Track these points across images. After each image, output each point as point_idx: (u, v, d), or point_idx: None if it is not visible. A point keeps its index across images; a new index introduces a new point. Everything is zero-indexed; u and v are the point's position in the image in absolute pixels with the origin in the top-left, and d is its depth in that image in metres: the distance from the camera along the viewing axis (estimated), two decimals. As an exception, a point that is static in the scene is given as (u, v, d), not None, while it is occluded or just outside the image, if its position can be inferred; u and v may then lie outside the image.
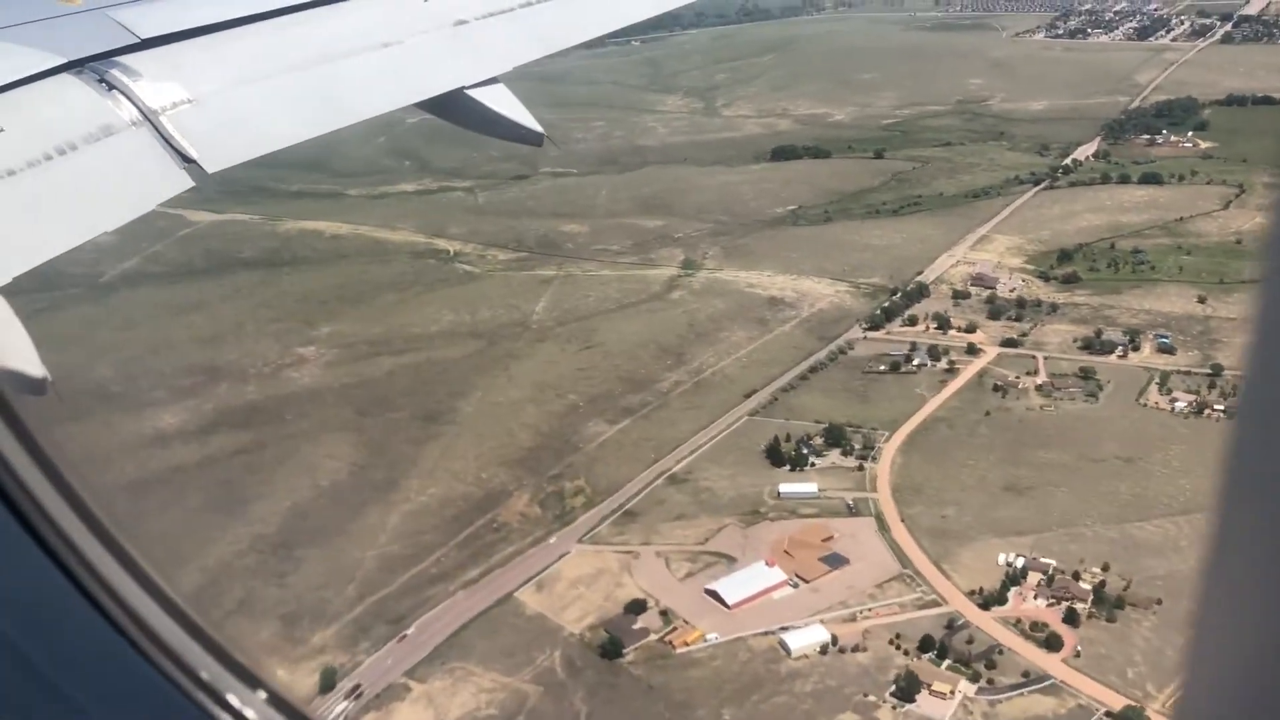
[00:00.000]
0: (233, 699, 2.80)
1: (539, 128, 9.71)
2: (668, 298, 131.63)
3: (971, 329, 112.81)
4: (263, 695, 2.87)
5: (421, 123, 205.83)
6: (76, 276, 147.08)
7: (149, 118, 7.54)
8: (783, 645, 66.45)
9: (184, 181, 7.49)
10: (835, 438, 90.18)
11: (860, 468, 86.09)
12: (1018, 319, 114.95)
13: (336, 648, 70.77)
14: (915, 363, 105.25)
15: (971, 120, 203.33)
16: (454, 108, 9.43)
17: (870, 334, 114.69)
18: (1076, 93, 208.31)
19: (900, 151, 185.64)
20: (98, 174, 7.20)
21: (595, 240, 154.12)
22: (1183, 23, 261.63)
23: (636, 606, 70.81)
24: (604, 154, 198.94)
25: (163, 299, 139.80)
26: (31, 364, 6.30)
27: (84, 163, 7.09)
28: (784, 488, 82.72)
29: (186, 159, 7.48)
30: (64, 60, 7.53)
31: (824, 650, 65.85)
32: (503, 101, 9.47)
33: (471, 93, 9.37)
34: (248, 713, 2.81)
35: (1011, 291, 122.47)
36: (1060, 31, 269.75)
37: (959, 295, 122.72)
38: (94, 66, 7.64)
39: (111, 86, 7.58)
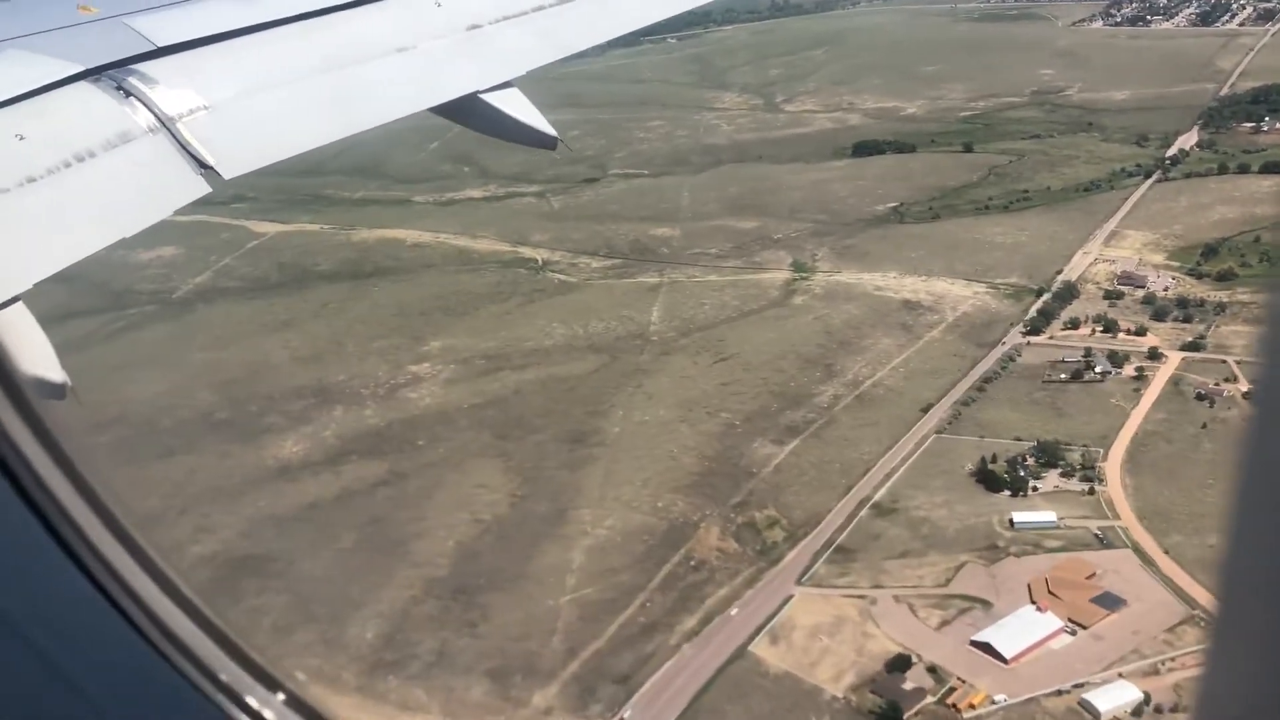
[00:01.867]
0: (251, 700, 2.80)
1: (553, 131, 9.62)
2: (790, 303, 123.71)
3: (1142, 332, 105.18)
4: (281, 697, 2.86)
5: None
6: (148, 293, 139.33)
7: (166, 124, 7.49)
8: (1087, 707, 58.41)
9: (201, 188, 7.43)
10: (1049, 457, 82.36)
11: (1090, 491, 78.29)
12: (1186, 320, 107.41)
13: (565, 709, 62.76)
14: (1098, 370, 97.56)
15: (1053, 112, 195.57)
16: (468, 112, 9.34)
17: (1032, 339, 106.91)
18: (1158, 81, 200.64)
19: (989, 145, 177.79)
20: (116, 180, 7.18)
21: (690, 244, 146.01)
22: (1244, 7, 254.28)
23: (900, 663, 62.75)
24: (672, 154, 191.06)
25: (247, 315, 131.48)
26: (52, 369, 6.28)
27: (102, 169, 7.06)
28: (1018, 517, 74.88)
29: (203, 165, 7.43)
30: (82, 68, 7.50)
31: (1138, 712, 57.93)
32: (516, 105, 9.43)
33: (485, 97, 9.32)
34: (266, 714, 2.81)
35: (1165, 290, 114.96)
36: (1118, 19, 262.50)
37: (1111, 295, 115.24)
38: (111, 74, 7.62)
39: (129, 94, 7.54)
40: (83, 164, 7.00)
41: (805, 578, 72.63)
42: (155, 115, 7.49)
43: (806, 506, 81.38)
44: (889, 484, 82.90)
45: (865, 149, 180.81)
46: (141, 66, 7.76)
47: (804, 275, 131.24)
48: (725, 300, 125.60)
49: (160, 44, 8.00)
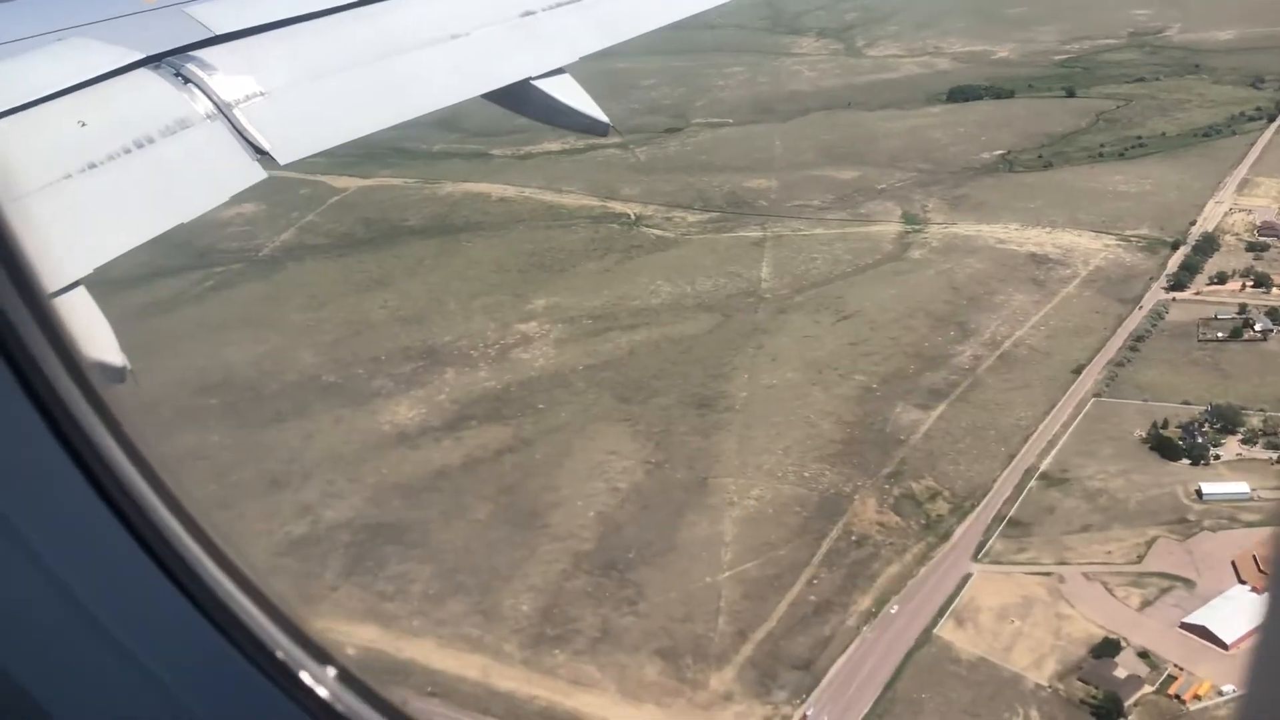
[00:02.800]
0: (305, 676, 2.90)
1: (605, 118, 9.64)
2: (908, 258, 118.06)
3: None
4: (333, 672, 2.97)
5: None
6: (233, 251, 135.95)
7: (223, 111, 7.57)
8: (1326, 698, 53.46)
9: (257, 173, 7.49)
10: (1227, 422, 76.94)
11: (1280, 460, 72.95)
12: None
13: (748, 695, 58.92)
14: (1258, 328, 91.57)
15: (1155, 54, 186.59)
16: (520, 99, 9.40)
17: (1177, 295, 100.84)
18: (1265, 19, 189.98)
19: (1091, 90, 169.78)
20: (174, 166, 7.28)
21: (789, 196, 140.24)
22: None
23: (1107, 648, 58.17)
24: (756, 102, 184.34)
25: (338, 274, 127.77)
26: (112, 353, 6.34)
27: (161, 155, 7.17)
28: (1207, 488, 69.78)
29: (259, 151, 7.53)
30: (142, 55, 7.63)
31: (1385, 704, 52.96)
32: (569, 92, 9.43)
33: (538, 83, 9.32)
34: (320, 690, 2.90)
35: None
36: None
37: (1255, 248, 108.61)
38: (170, 61, 7.71)
39: (187, 80, 7.61)
40: (143, 150, 7.05)
41: (981, 554, 68.08)
42: (213, 102, 7.51)
43: (968, 476, 76.69)
44: (1054, 452, 77.99)
45: (961, 94, 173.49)
46: (200, 53, 7.80)
47: (916, 227, 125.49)
48: (837, 254, 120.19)
49: (218, 31, 8.03)
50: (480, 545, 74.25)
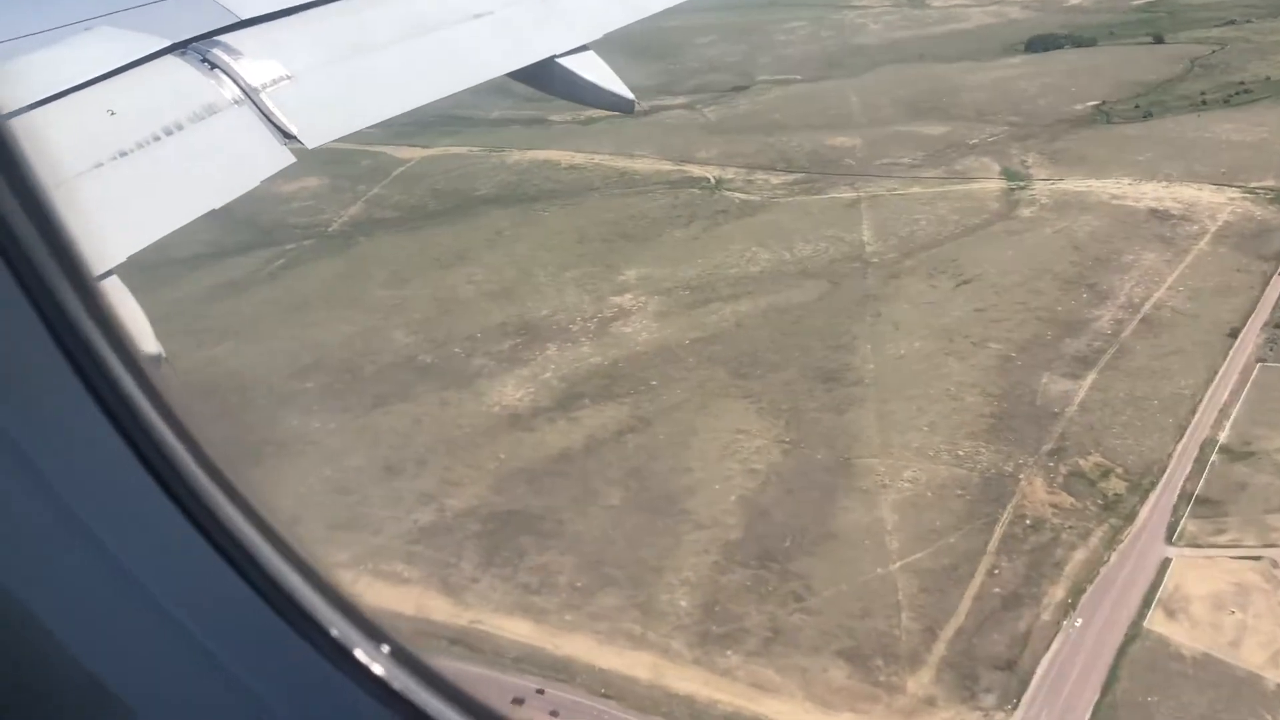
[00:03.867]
0: (360, 654, 2.94)
1: (630, 94, 9.62)
2: (1018, 216, 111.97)
3: None
4: (386, 649, 3.02)
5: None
6: (301, 227, 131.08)
7: (250, 95, 7.60)
8: None
9: (286, 158, 7.49)
10: None
11: None
12: None
13: (953, 699, 53.91)
14: None
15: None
16: (545, 77, 9.32)
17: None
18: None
19: (1179, 34, 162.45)
20: (203, 152, 7.26)
21: (877, 153, 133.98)
22: None
23: (1353, 642, 53.10)
24: (823, 56, 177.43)
25: (416, 248, 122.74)
26: (147, 340, 6.36)
27: (190, 141, 7.16)
28: None
29: (287, 135, 7.50)
30: (169, 42, 7.67)
31: None
32: (593, 69, 9.38)
33: (562, 61, 9.26)
34: (375, 668, 2.94)
35: None
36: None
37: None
38: (196, 47, 7.73)
39: (214, 66, 7.64)
40: (172, 137, 7.06)
41: (1175, 537, 62.77)
42: (240, 87, 7.57)
43: (1139, 451, 71.25)
44: (1228, 422, 72.38)
45: (1040, 44, 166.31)
46: (226, 39, 7.82)
47: (1020, 184, 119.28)
48: (941, 215, 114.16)
49: (243, 16, 8.06)
50: (620, 534, 69.61)
